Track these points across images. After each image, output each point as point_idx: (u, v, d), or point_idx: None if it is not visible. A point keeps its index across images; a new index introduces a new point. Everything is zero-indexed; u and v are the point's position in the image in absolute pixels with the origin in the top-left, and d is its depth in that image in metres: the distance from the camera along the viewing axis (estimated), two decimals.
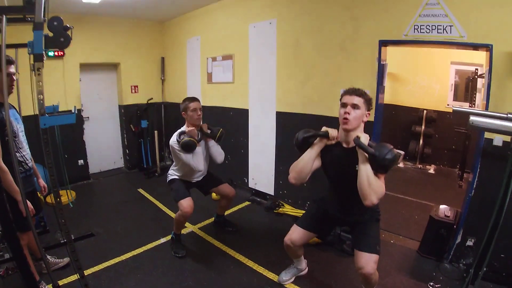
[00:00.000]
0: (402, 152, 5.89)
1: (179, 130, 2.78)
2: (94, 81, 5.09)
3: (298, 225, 2.27)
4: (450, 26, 2.49)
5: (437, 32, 2.56)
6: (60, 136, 3.48)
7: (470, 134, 4.97)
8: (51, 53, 4.23)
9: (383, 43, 2.86)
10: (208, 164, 3.06)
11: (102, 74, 5.18)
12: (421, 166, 5.76)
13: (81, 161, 4.89)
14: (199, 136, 2.79)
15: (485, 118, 1.44)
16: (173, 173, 2.97)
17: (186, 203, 2.71)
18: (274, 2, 3.66)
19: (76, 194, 4.21)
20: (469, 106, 5.07)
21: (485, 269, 2.39)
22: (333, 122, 3.17)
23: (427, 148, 5.79)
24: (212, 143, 2.92)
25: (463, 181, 4.81)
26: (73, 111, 1.79)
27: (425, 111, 5.73)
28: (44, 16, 1.46)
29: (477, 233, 2.57)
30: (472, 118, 1.41)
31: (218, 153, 2.95)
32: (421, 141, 5.82)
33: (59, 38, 1.51)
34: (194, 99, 2.86)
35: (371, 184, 1.73)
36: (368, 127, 2.76)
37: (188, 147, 2.66)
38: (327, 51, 3.23)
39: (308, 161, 1.97)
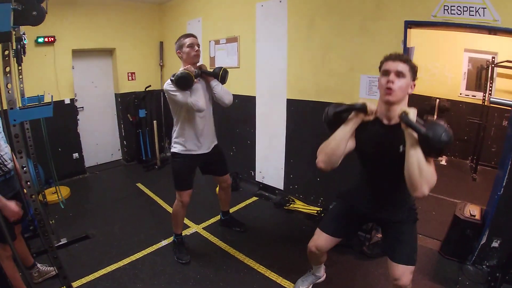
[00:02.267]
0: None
1: (173, 73, 2.34)
2: (88, 69, 4.75)
3: (322, 230, 1.97)
4: (483, 8, 2.23)
5: (469, 15, 2.30)
6: (51, 129, 3.17)
7: (485, 125, 4.75)
8: (40, 39, 3.90)
9: (409, 24, 2.56)
10: (213, 128, 2.69)
11: (96, 60, 4.83)
12: None
13: (76, 155, 4.59)
14: (197, 74, 2.39)
15: None
16: (175, 141, 2.52)
17: (185, 194, 2.51)
18: None
19: (71, 190, 3.92)
20: (483, 96, 4.85)
21: (510, 271, 2.29)
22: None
23: None
24: (215, 82, 2.49)
25: (477, 174, 4.61)
26: (49, 101, 1.46)
27: (437, 100, 5.46)
28: None
29: (503, 233, 2.42)
30: None
31: (224, 92, 2.52)
32: None
33: (31, 12, 1.19)
34: (189, 35, 2.44)
35: (422, 172, 1.41)
36: None
37: (184, 80, 2.22)
38: (345, 32, 2.92)
39: (341, 140, 1.63)
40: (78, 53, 4.45)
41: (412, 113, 1.46)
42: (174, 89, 2.26)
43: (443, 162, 5.39)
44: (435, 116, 5.53)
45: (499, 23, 2.19)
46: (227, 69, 2.59)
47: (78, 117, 4.58)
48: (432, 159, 1.47)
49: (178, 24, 4.91)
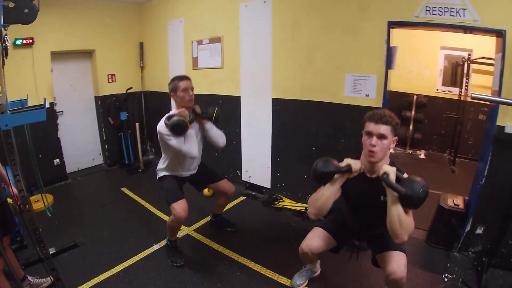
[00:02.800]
0: None
1: (167, 114, 2.38)
2: (67, 71, 4.59)
3: (322, 227, 2.07)
4: (463, 9, 2.37)
5: (450, 15, 2.43)
6: (31, 134, 3.03)
7: (462, 119, 4.98)
8: (19, 41, 3.73)
9: (392, 25, 2.66)
10: (201, 154, 2.70)
11: (75, 63, 4.67)
12: (412, 151, 5.74)
13: (56, 160, 4.42)
14: (191, 117, 2.42)
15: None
16: (162, 169, 2.59)
17: (179, 207, 2.38)
18: None
19: (54, 198, 3.78)
20: (459, 91, 5.08)
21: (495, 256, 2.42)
22: (337, 109, 3.02)
23: (417, 133, 5.75)
24: (209, 125, 2.55)
25: (456, 166, 4.82)
26: (44, 104, 1.41)
27: (415, 96, 5.67)
28: None
29: (486, 221, 2.55)
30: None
31: (219, 135, 2.60)
32: (411, 127, 5.77)
33: (22, 10, 1.15)
34: (184, 77, 2.47)
35: (402, 224, 1.59)
36: None
37: (179, 128, 2.26)
38: (330, 32, 2.98)
39: (329, 197, 1.79)
40: (57, 55, 4.30)
41: (392, 173, 1.61)
42: (168, 133, 2.29)
43: (422, 156, 5.59)
44: (413, 112, 5.74)
45: (478, 23, 2.32)
46: (219, 110, 2.62)
47: (58, 121, 4.42)
48: (410, 210, 1.63)
49: (159, 25, 4.84)
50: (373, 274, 2.42)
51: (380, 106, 2.77)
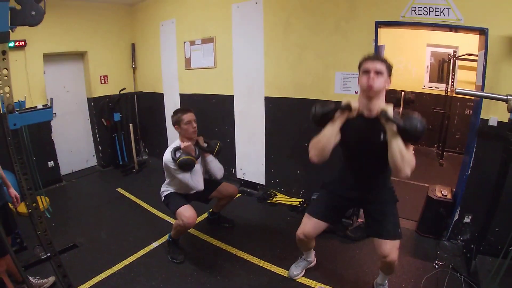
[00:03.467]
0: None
1: (173, 145, 2.50)
2: (60, 73, 4.59)
3: (311, 215, 2.11)
4: (448, 9, 2.49)
5: (435, 15, 2.55)
6: (28, 137, 3.07)
7: (449, 114, 5.13)
8: (11, 44, 3.72)
9: (380, 24, 2.76)
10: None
11: (68, 64, 4.68)
12: None
13: (51, 163, 4.42)
14: (197, 153, 2.54)
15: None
16: (166, 189, 2.67)
17: (187, 213, 2.44)
18: None
19: (50, 200, 3.77)
20: (446, 87, 5.23)
21: (483, 243, 2.50)
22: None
23: None
24: (211, 158, 2.69)
25: (444, 160, 4.97)
26: (49, 105, 1.46)
27: (403, 93, 5.80)
28: None
29: (473, 210, 2.66)
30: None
31: (218, 169, 2.74)
32: None
33: (29, 12, 1.19)
34: (187, 110, 2.57)
35: (404, 157, 1.63)
36: None
37: (187, 167, 2.42)
38: (320, 32, 3.07)
39: (331, 137, 1.81)
40: (49, 57, 4.31)
41: (390, 110, 1.69)
42: (176, 168, 2.42)
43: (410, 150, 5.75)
44: (401, 108, 5.89)
45: (462, 22, 2.45)
46: (221, 144, 2.77)
47: (51, 123, 4.41)
48: (410, 146, 1.70)
49: (151, 26, 4.86)
50: (367, 263, 2.52)
51: None
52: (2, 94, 1.29)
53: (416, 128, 1.58)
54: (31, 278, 2.21)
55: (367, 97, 1.75)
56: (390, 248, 1.84)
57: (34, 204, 1.43)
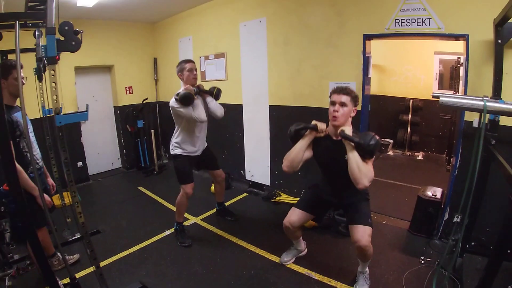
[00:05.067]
0: (391, 141, 6.14)
1: (176, 92, 2.85)
2: (89, 84, 5.17)
3: (296, 207, 2.46)
4: (429, 18, 2.68)
5: (417, 25, 2.75)
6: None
7: (455, 121, 5.21)
8: None
9: (367, 37, 3.04)
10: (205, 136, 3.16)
11: (96, 76, 5.26)
12: (410, 153, 6.00)
13: (80, 163, 4.97)
14: (196, 91, 2.89)
15: (453, 98, 1.63)
16: (176, 144, 3.01)
17: (189, 187, 2.93)
18: (263, 1, 3.81)
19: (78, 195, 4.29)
20: (453, 93, 5.33)
21: (472, 243, 2.62)
22: (323, 112, 3.37)
23: (414, 136, 6.03)
24: (210, 99, 3.00)
25: (450, 165, 5.05)
26: (86, 109, 1.91)
27: (411, 100, 5.95)
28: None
29: (462, 210, 2.69)
30: (442, 98, 1.59)
31: (217, 107, 3.03)
32: (408, 129, 6.05)
33: (70, 42, 1.62)
34: (189, 60, 2.96)
35: (360, 169, 1.94)
36: (356, 116, 2.96)
37: (187, 99, 2.71)
38: (315, 46, 3.40)
39: (299, 151, 2.20)
40: (80, 70, 4.87)
41: (348, 130, 2.02)
42: (178, 105, 2.75)
43: (420, 157, 5.85)
44: (410, 115, 6.04)
45: (443, 30, 2.64)
46: (220, 88, 3.12)
47: (81, 128, 4.98)
48: (369, 160, 2.01)
49: (171, 42, 5.37)
50: (354, 256, 2.69)
51: (360, 108, 3.11)
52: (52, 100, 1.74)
53: (369, 143, 1.90)
54: (59, 254, 2.64)
55: (333, 125, 2.13)
56: (362, 234, 2.10)
57: (74, 192, 1.84)
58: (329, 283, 2.40)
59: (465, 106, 1.60)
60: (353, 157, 1.97)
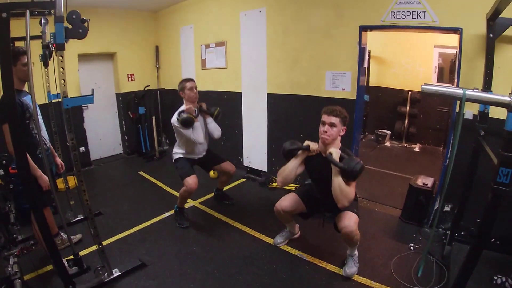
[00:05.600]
0: (388, 132, 6.21)
1: (179, 109, 3.01)
2: (92, 71, 5.24)
3: (295, 192, 2.63)
4: (424, 12, 2.74)
5: (412, 18, 2.81)
6: (61, 125, 3.61)
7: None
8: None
9: (363, 29, 3.10)
10: (208, 142, 3.31)
11: (99, 63, 5.33)
12: (407, 145, 6.08)
13: (82, 148, 5.07)
14: (197, 113, 3.04)
15: (434, 86, 1.71)
16: (177, 152, 3.19)
17: (191, 180, 2.97)
18: None
19: None
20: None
21: (462, 233, 2.70)
22: (319, 101, 3.52)
23: (412, 128, 6.10)
24: (210, 120, 3.18)
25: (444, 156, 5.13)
26: (91, 93, 2.01)
27: (409, 93, 6.00)
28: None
29: (453, 199, 2.79)
30: (423, 86, 1.68)
31: (215, 129, 3.21)
32: (406, 121, 6.12)
33: (77, 30, 1.71)
34: (190, 80, 3.12)
35: (342, 191, 2.10)
36: (350, 106, 3.03)
37: (187, 123, 2.89)
38: (313, 37, 3.47)
39: (292, 169, 2.36)
40: (83, 57, 4.94)
41: (335, 153, 2.16)
42: (179, 125, 2.92)
43: (417, 149, 5.93)
44: (408, 107, 6.11)
45: (437, 23, 2.70)
46: (220, 110, 3.27)
47: (83, 114, 5.08)
48: (352, 182, 2.14)
49: (172, 30, 5.42)
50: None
51: (355, 98, 3.23)
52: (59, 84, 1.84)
53: (353, 169, 2.04)
54: (62, 233, 2.77)
55: (323, 143, 2.28)
56: (348, 220, 2.22)
57: (79, 172, 1.96)
58: (319, 264, 2.52)
59: (445, 94, 1.67)
60: (337, 180, 2.12)
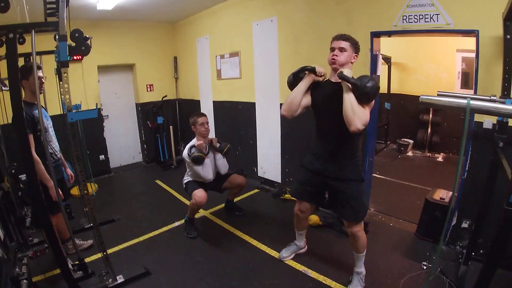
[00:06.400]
0: (411, 141, 5.97)
1: (190, 143, 3.10)
2: (112, 82, 5.45)
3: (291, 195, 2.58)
4: (437, 14, 2.59)
5: (425, 21, 2.67)
6: (83, 133, 3.83)
7: None
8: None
9: (375, 35, 3.01)
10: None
11: (119, 74, 5.54)
12: (430, 154, 5.84)
13: (102, 156, 5.27)
14: (207, 150, 3.10)
15: (434, 96, 1.60)
16: (186, 178, 3.27)
17: (199, 193, 3.01)
18: (274, 0, 3.86)
19: (99, 186, 4.59)
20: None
21: (481, 251, 2.51)
22: None
23: (435, 136, 5.86)
24: (219, 157, 3.23)
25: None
26: (95, 107, 2.10)
27: None
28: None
29: (471, 215, 2.61)
30: (421, 96, 1.58)
31: (223, 166, 3.27)
32: (429, 130, 5.88)
33: (80, 47, 1.79)
34: (201, 115, 3.19)
35: (354, 110, 1.86)
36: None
37: (198, 161, 2.97)
38: (323, 44, 3.33)
39: (298, 93, 2.16)
40: (103, 68, 5.15)
41: (347, 71, 1.95)
42: (190, 161, 3.00)
43: (440, 159, 5.67)
44: (431, 115, 5.87)
45: (451, 26, 2.54)
46: (230, 146, 3.31)
47: (103, 124, 5.28)
48: (366, 105, 1.93)
49: (189, 41, 5.54)
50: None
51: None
52: (64, 99, 1.92)
53: (365, 84, 1.84)
54: (76, 239, 2.86)
55: (333, 69, 2.11)
56: (353, 223, 2.17)
57: (84, 182, 2.03)
58: (324, 281, 2.42)
59: (447, 105, 1.56)
60: (348, 98, 1.90)
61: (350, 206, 2.14)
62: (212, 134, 3.22)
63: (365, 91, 1.85)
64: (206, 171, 3.08)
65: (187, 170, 3.25)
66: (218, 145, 3.22)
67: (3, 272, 1.55)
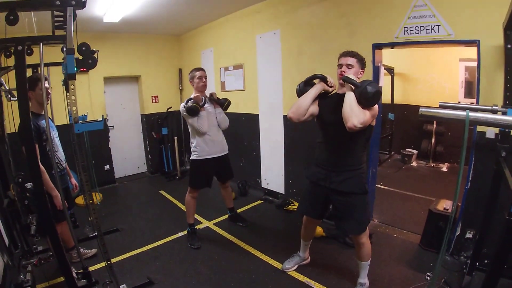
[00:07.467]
0: (415, 152, 5.95)
1: (188, 98, 3.11)
2: (118, 93, 5.54)
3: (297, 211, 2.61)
4: (438, 25, 2.63)
5: (426, 32, 2.70)
6: (89, 143, 3.88)
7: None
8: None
9: (377, 46, 3.05)
10: (228, 146, 3.40)
11: (124, 86, 5.63)
12: (434, 164, 5.80)
13: (107, 166, 5.32)
14: (204, 102, 3.09)
15: (433, 109, 1.63)
16: (194, 150, 3.22)
17: (196, 192, 3.19)
18: (277, 13, 3.94)
19: (103, 196, 4.62)
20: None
21: (485, 261, 2.46)
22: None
23: (439, 146, 5.84)
24: (219, 110, 3.24)
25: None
26: (101, 119, 2.14)
27: None
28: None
29: (475, 225, 2.61)
30: (421, 109, 1.60)
31: (223, 120, 3.27)
32: (433, 140, 5.87)
33: (87, 60, 1.83)
34: (200, 69, 3.20)
35: (352, 108, 1.93)
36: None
37: (192, 112, 2.97)
38: (326, 57, 3.45)
39: (307, 97, 2.20)
40: (109, 80, 5.24)
41: (351, 76, 2.04)
42: (186, 113, 3.03)
43: (444, 169, 5.63)
44: (434, 125, 5.86)
45: (452, 36, 2.56)
46: (230, 101, 3.35)
47: (109, 134, 5.35)
48: (366, 109, 1.97)
49: (194, 53, 5.63)
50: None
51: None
52: (71, 110, 1.97)
53: (365, 87, 1.91)
54: (80, 247, 2.87)
55: (341, 85, 2.19)
56: (357, 236, 2.20)
57: (89, 191, 2.06)
58: None
59: (445, 117, 1.58)
60: (348, 97, 1.98)
61: (354, 220, 2.17)
62: None
63: (365, 92, 1.92)
64: (201, 122, 3.07)
65: (190, 132, 3.24)
66: (217, 99, 3.23)
67: (8, 279, 1.57)
